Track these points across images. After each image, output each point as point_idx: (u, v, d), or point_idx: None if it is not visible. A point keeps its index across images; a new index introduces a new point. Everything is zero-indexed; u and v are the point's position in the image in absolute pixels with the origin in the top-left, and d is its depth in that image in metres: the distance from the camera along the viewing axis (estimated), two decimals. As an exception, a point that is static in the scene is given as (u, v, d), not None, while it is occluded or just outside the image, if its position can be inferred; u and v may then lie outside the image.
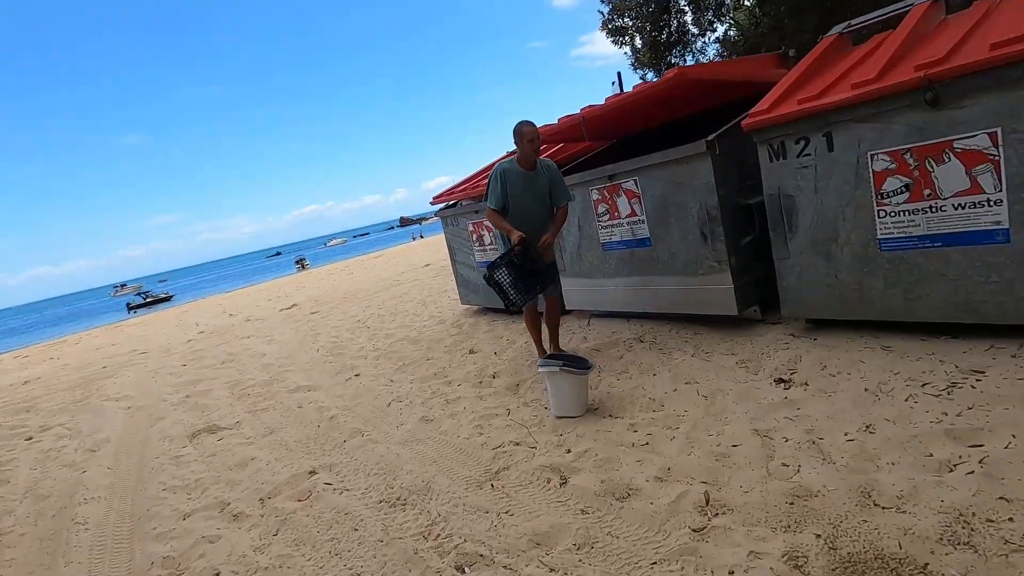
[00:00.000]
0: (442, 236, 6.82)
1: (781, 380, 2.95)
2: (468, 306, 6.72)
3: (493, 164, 6.78)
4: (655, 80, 4.40)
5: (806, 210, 3.22)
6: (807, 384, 2.83)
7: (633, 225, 4.21)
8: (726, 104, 4.59)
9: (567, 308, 5.14)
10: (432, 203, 6.55)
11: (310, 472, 3.25)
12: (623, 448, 2.66)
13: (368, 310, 8.72)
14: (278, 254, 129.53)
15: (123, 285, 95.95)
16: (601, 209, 4.43)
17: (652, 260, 4.16)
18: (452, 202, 6.38)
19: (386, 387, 4.53)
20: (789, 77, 3.42)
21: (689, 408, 2.91)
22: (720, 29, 10.26)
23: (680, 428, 2.72)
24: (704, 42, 10.43)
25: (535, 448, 2.89)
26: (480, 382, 4.17)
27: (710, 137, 3.51)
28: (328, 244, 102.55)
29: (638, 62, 10.76)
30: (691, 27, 9.97)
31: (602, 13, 10.71)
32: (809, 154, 3.14)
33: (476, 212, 5.91)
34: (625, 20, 10.35)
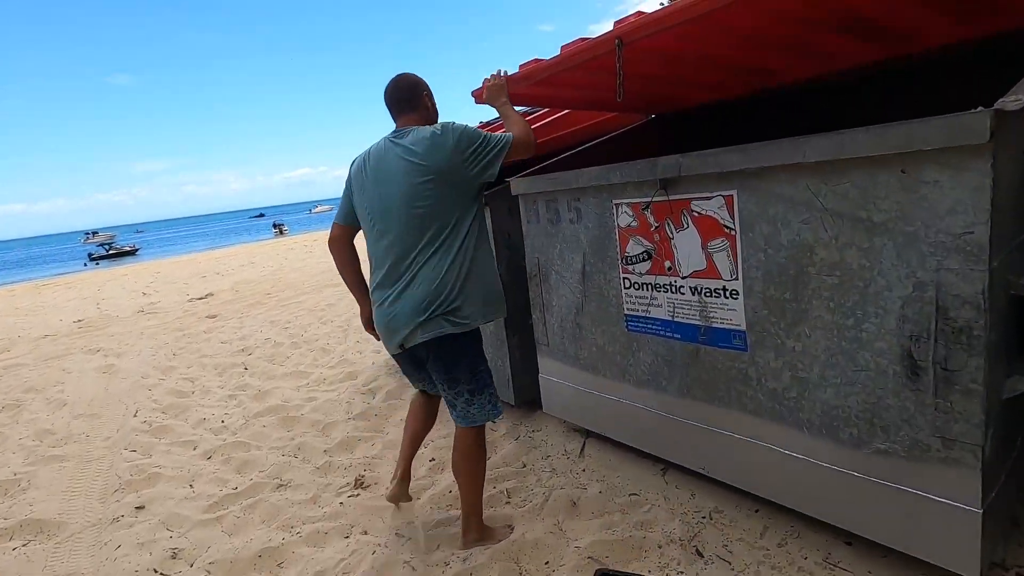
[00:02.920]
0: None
1: None
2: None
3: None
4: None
5: None
6: None
7: (706, 295, 1.88)
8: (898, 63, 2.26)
9: (544, 409, 2.85)
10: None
11: None
12: None
13: (278, 323, 6.33)
14: (261, 216, 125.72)
15: (95, 233, 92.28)
16: (633, 248, 2.10)
17: (744, 380, 1.85)
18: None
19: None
20: None
21: None
22: None
23: None
24: None
25: None
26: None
27: (1008, 102, 1.18)
28: (313, 211, 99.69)
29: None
30: None
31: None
32: None
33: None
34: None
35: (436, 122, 1.99)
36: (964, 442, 1.36)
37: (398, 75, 2.00)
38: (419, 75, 2.04)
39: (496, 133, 1.93)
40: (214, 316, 7.29)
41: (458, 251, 1.83)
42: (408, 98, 1.98)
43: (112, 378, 4.85)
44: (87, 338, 6.95)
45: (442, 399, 2.12)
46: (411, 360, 2.01)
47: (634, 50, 1.85)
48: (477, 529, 2.03)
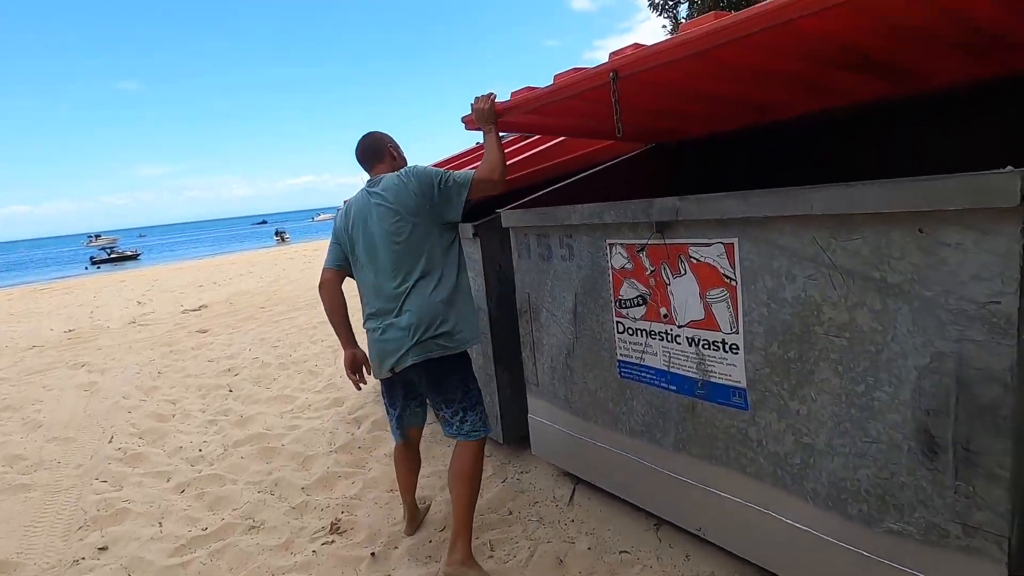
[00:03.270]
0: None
1: None
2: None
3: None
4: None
5: None
6: None
7: (704, 347, 1.76)
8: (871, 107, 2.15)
9: (533, 451, 2.71)
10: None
11: None
12: None
13: (268, 340, 6.20)
14: (264, 223, 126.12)
15: (97, 236, 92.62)
16: (627, 291, 1.97)
17: (744, 440, 1.71)
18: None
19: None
20: None
21: None
22: None
23: None
24: None
25: None
26: None
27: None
28: (316, 219, 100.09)
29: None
30: None
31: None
32: None
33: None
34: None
35: (403, 167, 2.16)
36: (988, 532, 1.22)
37: (364, 135, 2.23)
38: (384, 131, 2.39)
39: (458, 172, 2.06)
40: (205, 331, 7.15)
41: (440, 279, 2.00)
42: (375, 151, 2.19)
43: (93, 398, 4.71)
44: (75, 350, 6.82)
45: (421, 441, 2.34)
46: (401, 384, 2.14)
47: (631, 83, 1.74)
48: (463, 550, 1.99)
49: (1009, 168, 1.08)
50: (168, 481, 3.10)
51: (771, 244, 1.51)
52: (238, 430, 3.71)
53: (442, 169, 2.07)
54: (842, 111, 2.36)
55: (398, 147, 2.25)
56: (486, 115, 2.13)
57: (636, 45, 1.72)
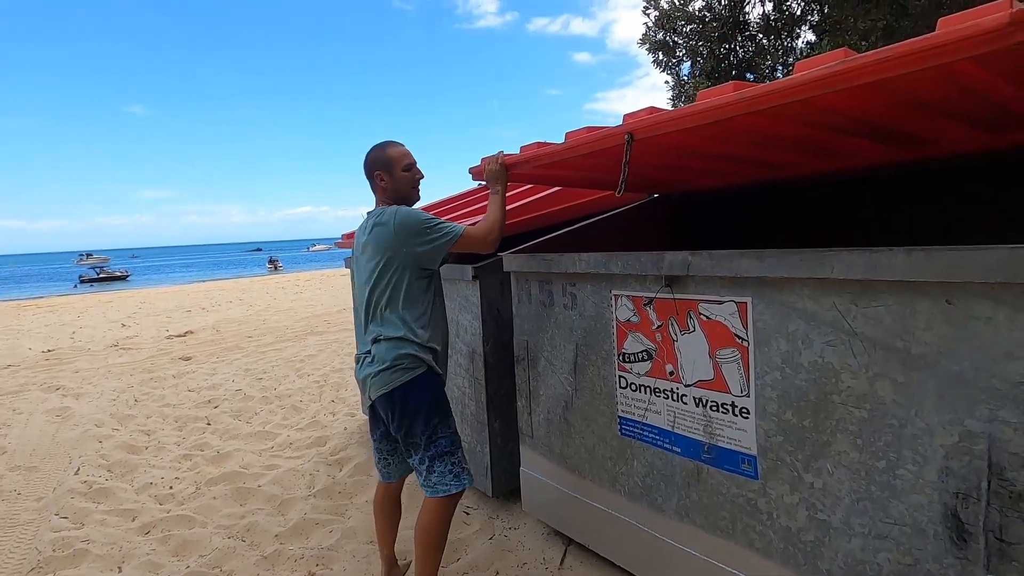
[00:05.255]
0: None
1: None
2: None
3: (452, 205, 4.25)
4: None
5: None
6: None
7: (712, 409, 1.67)
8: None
9: (524, 507, 2.58)
10: (338, 244, 4.01)
11: None
12: None
13: (253, 372, 6.03)
14: (259, 250, 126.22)
15: (88, 255, 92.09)
16: (632, 346, 1.90)
17: (753, 512, 1.61)
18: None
19: None
20: None
21: None
22: (802, 41, 7.79)
23: None
24: (773, 67, 8.09)
25: None
26: None
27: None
28: (311, 248, 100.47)
29: (681, 96, 8.36)
30: (762, 43, 7.55)
31: (646, 24, 8.44)
32: None
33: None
34: (674, 37, 8.03)
35: (403, 194, 2.05)
36: (1023, 632, 1.12)
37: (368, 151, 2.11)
38: (398, 141, 2.10)
39: (448, 223, 1.96)
40: (188, 358, 6.97)
41: (410, 319, 1.92)
42: (368, 176, 2.09)
43: (63, 424, 4.51)
44: (51, 372, 6.60)
45: (403, 486, 2.26)
46: (379, 421, 2.05)
47: (640, 143, 1.71)
48: None
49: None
50: (133, 520, 2.91)
51: (787, 306, 1.45)
52: (213, 467, 3.54)
53: (433, 217, 1.97)
54: (854, 172, 2.36)
55: (390, 171, 2.03)
56: (495, 175, 2.12)
57: (652, 108, 1.71)
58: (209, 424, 4.36)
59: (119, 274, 43.97)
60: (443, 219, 1.99)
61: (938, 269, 1.16)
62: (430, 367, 1.94)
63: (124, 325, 11.00)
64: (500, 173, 2.11)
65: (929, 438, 1.23)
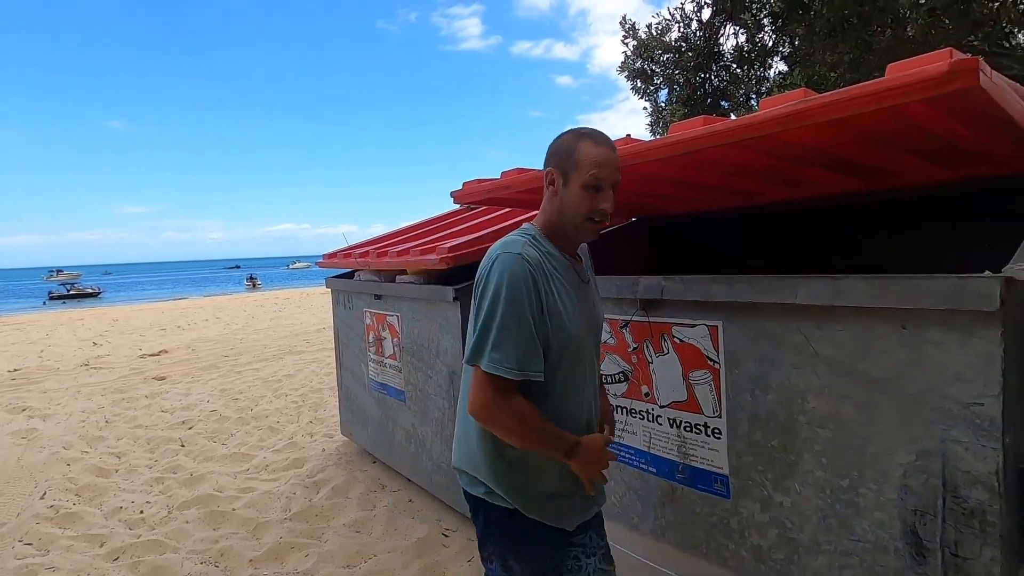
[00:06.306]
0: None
1: None
2: (350, 441, 4.06)
3: (429, 223, 4.27)
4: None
5: None
6: None
7: (686, 429, 1.71)
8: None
9: None
10: (320, 264, 4.01)
11: None
12: None
13: (229, 392, 5.92)
14: (237, 267, 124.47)
15: (59, 271, 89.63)
16: (609, 367, 1.94)
17: (725, 531, 1.64)
18: (347, 270, 3.85)
19: None
20: None
21: None
22: (774, 71, 8.16)
23: None
24: (747, 95, 8.39)
25: None
26: None
27: (1017, 269, 1.09)
28: (291, 266, 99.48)
29: (659, 122, 8.62)
30: (734, 75, 7.88)
31: (625, 53, 8.72)
32: None
33: (377, 298, 3.37)
34: (652, 66, 8.31)
35: (567, 222, 1.31)
36: (977, 646, 1.17)
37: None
38: (569, 133, 1.34)
39: (491, 332, 1.21)
40: (162, 378, 6.82)
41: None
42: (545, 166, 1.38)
43: (30, 447, 4.37)
44: (17, 392, 6.40)
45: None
46: (591, 534, 1.48)
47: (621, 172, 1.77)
48: None
49: (988, 273, 1.11)
50: (101, 546, 2.83)
51: (756, 329, 1.51)
52: (186, 490, 3.46)
53: (487, 304, 1.23)
54: (824, 200, 2.46)
55: (565, 175, 1.29)
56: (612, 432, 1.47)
57: (628, 139, 1.78)
58: (183, 446, 4.27)
59: (91, 291, 42.93)
60: (504, 311, 1.21)
61: (894, 296, 1.23)
62: None
63: (95, 343, 10.73)
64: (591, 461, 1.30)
65: (889, 457, 1.29)
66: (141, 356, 8.72)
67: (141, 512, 3.19)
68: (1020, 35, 6.73)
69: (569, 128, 1.37)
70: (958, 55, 1.04)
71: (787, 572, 1.50)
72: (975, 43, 5.94)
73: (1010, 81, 1.34)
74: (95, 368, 7.83)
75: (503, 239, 1.33)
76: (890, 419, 1.28)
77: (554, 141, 1.36)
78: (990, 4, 5.74)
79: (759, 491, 1.54)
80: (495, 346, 1.21)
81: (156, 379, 6.79)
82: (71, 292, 41.48)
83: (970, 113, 1.20)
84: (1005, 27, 6.25)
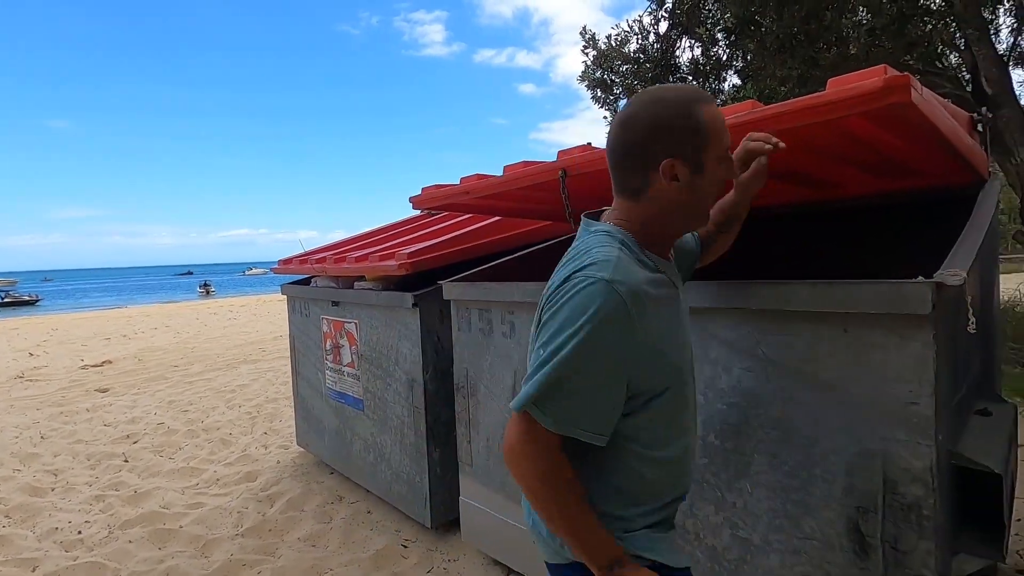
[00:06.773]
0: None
1: None
2: (307, 452, 3.95)
3: (414, 221, 4.20)
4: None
5: None
6: None
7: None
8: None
9: (463, 537, 2.54)
10: (275, 271, 3.91)
11: None
12: None
13: (178, 403, 5.68)
14: (189, 273, 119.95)
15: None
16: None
17: (682, 534, 1.67)
18: (304, 276, 3.76)
19: None
20: None
21: None
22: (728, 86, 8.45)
23: None
24: None
25: None
26: None
27: (947, 275, 1.15)
28: (247, 272, 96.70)
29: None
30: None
31: (585, 63, 8.87)
32: None
33: (335, 304, 3.30)
34: (611, 76, 8.50)
35: (692, 213, 1.03)
36: (912, 633, 1.22)
37: (624, 110, 1.01)
38: (650, 114, 0.96)
39: (552, 361, 0.90)
40: (105, 390, 6.49)
41: None
42: (629, 158, 1.00)
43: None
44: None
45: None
46: None
47: (575, 178, 1.80)
48: None
49: (920, 278, 1.17)
50: (34, 571, 2.66)
51: (709, 333, 1.54)
52: (129, 508, 3.29)
53: (556, 326, 0.92)
54: (779, 208, 2.55)
55: (699, 158, 0.95)
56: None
57: (587, 146, 1.81)
58: (126, 461, 4.06)
59: (28, 298, 40.59)
60: (579, 366, 0.90)
61: (837, 300, 1.27)
62: None
63: (32, 354, 10.14)
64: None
65: (834, 457, 1.33)
66: (83, 367, 8.28)
67: (79, 532, 3.01)
68: (951, 56, 7.19)
69: (638, 98, 0.98)
70: (892, 72, 1.10)
71: (740, 572, 1.53)
72: (911, 62, 6.31)
73: (940, 98, 1.42)
74: (31, 380, 7.39)
75: (588, 247, 0.97)
76: (836, 420, 1.33)
77: (646, 120, 0.95)
78: (923, 27, 6.10)
79: (713, 493, 1.57)
80: (577, 401, 0.92)
81: (98, 391, 6.45)
82: (6, 300, 39.11)
83: (904, 127, 1.26)
84: (938, 48, 6.67)
